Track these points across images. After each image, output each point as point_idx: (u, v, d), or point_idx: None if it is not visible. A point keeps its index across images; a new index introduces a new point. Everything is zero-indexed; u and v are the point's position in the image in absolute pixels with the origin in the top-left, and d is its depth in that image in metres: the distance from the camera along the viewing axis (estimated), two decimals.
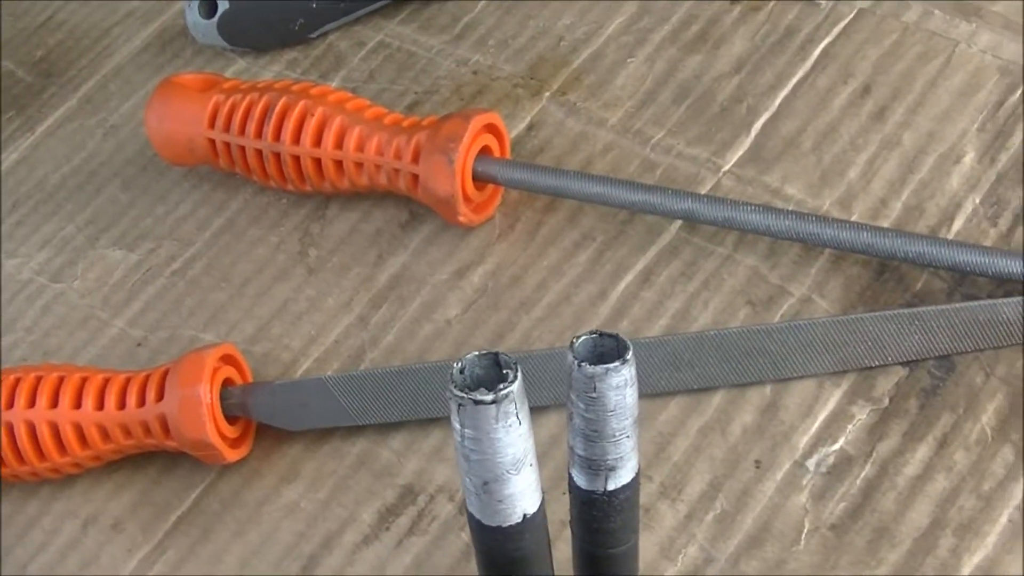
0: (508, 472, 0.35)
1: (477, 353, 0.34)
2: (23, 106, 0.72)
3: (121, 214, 0.66)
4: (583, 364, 0.34)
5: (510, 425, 0.34)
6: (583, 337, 0.34)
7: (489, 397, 0.33)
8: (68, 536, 0.56)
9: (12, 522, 0.57)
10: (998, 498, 0.48)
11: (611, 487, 0.38)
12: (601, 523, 0.39)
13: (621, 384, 0.34)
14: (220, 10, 0.68)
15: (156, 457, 0.57)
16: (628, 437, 0.36)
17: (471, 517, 0.37)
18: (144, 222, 0.65)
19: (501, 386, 0.33)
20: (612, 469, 0.37)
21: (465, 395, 0.33)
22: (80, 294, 0.63)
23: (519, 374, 0.33)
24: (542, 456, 0.47)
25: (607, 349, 0.34)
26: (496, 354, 0.34)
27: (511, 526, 0.36)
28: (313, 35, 0.69)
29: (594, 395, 0.34)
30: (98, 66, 0.73)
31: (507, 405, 0.33)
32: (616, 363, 0.34)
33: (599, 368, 0.34)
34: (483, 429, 0.33)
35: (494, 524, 0.36)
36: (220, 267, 0.62)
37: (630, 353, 0.34)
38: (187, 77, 0.63)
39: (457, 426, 0.34)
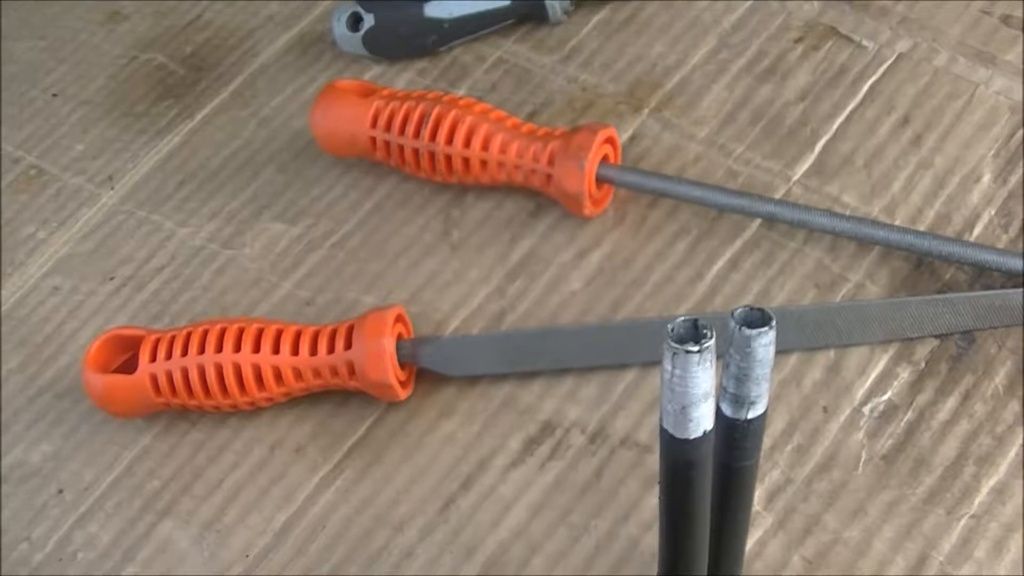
0: (699, 400, 0.56)
1: (683, 318, 0.55)
2: (179, 96, 0.93)
3: (279, 194, 0.87)
4: (743, 328, 0.55)
5: (706, 368, 0.55)
6: (740, 309, 0.55)
7: (696, 348, 0.54)
8: (257, 457, 0.76)
9: (205, 446, 0.77)
10: (1008, 438, 0.70)
11: (750, 416, 0.59)
12: (740, 442, 0.60)
13: (767, 343, 0.55)
14: (365, 25, 0.89)
15: (331, 395, 0.77)
16: (766, 380, 0.58)
17: (665, 433, 0.58)
18: (301, 201, 0.86)
19: (704, 342, 0.54)
20: (752, 403, 0.58)
21: (679, 347, 0.54)
22: (250, 259, 0.84)
23: (714, 334, 0.54)
24: (653, 402, 0.69)
25: (755, 318, 0.55)
26: (696, 319, 0.55)
27: (696, 438, 0.57)
28: (441, 49, 0.90)
29: (748, 350, 0.55)
30: (245, 64, 0.94)
31: (707, 355, 0.54)
32: (765, 328, 0.55)
33: (754, 331, 0.55)
34: (689, 370, 0.54)
35: (683, 437, 0.57)
36: (374, 242, 0.83)
37: (774, 321, 0.55)
38: (347, 83, 0.84)
39: (668, 367, 0.54)
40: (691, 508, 0.59)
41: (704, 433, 0.56)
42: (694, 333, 0.52)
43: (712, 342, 0.51)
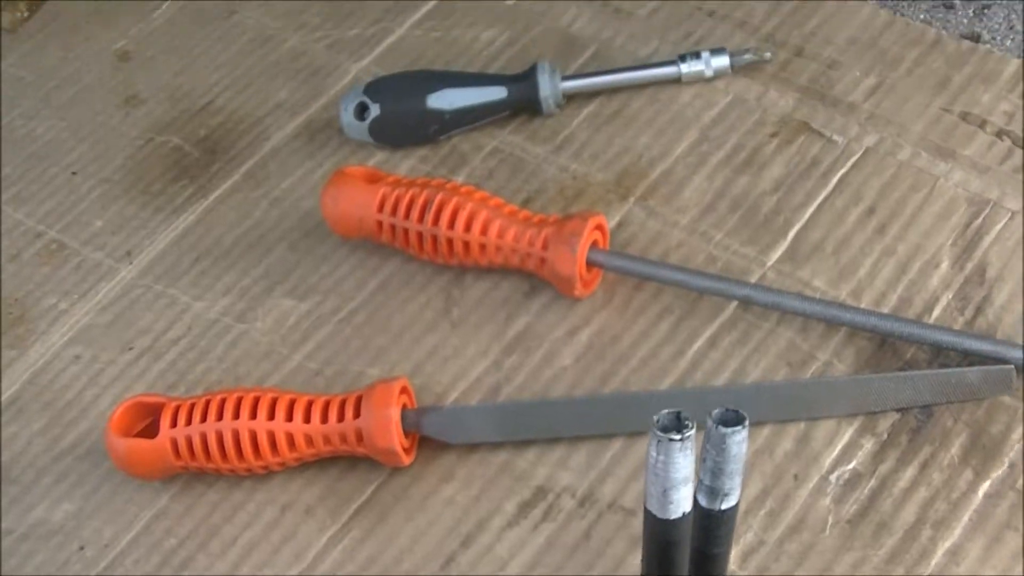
0: (680, 484, 0.63)
1: (667, 411, 0.61)
2: (194, 176, 1.01)
3: (290, 271, 0.94)
4: (719, 426, 0.59)
5: (686, 455, 0.62)
6: (717, 410, 0.59)
7: (678, 437, 0.61)
8: (269, 517, 0.83)
9: (220, 507, 0.83)
10: (962, 504, 0.77)
11: (724, 507, 0.64)
12: (714, 531, 0.65)
13: (740, 440, 0.60)
14: (371, 114, 0.97)
15: (339, 460, 0.83)
16: (739, 474, 0.64)
17: (648, 513, 0.64)
18: (310, 278, 0.94)
19: (685, 431, 0.59)
20: (726, 495, 0.63)
21: (663, 435, 0.59)
22: (262, 332, 0.91)
23: (694, 425, 0.61)
24: (638, 469, 0.77)
25: (730, 418, 0.59)
26: (679, 412, 0.61)
27: (676, 519, 0.64)
28: (442, 137, 0.98)
29: (723, 446, 0.60)
30: (256, 148, 1.01)
31: (687, 443, 0.61)
32: (739, 427, 0.59)
33: (729, 430, 0.59)
34: (671, 456, 0.60)
35: (664, 517, 0.65)
36: (379, 318, 0.91)
37: (747, 421, 0.60)
38: (355, 169, 0.92)
39: (653, 454, 0.60)
40: None
41: (683, 515, 0.63)
42: (677, 424, 0.59)
43: (692, 432, 0.58)
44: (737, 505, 0.63)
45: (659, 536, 0.65)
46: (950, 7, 1.16)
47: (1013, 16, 1.14)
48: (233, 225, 0.98)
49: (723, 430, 0.58)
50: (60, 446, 0.88)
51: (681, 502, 0.62)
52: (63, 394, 0.91)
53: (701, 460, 0.60)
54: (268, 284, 0.94)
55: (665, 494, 0.61)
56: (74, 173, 1.03)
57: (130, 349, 0.92)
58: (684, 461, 0.59)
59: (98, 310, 0.94)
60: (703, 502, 0.63)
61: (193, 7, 1.13)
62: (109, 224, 0.99)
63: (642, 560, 0.68)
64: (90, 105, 1.07)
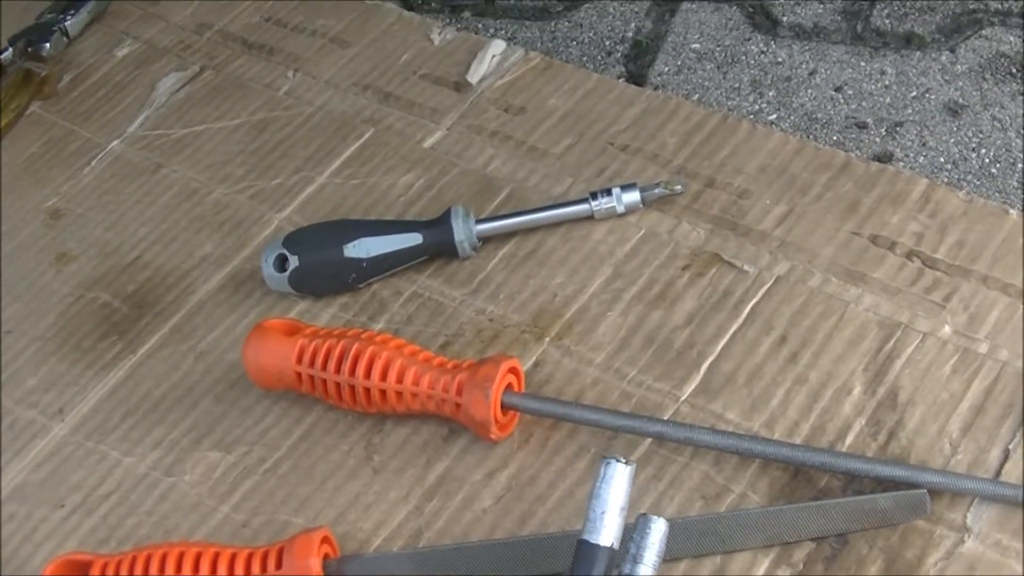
0: (616, 511, 0.71)
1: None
2: (123, 332, 1.02)
3: (216, 423, 0.95)
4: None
5: (624, 484, 0.71)
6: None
7: (623, 460, 0.71)
8: None
9: None
10: None
11: None
12: None
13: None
14: (291, 266, 0.98)
15: None
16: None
17: (582, 542, 0.70)
18: (236, 430, 0.94)
19: (630, 462, 0.70)
20: None
21: (611, 457, 0.69)
22: (190, 485, 0.92)
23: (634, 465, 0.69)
24: None
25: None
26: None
27: (605, 546, 0.70)
28: (361, 285, 1.00)
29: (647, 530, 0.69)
30: (183, 301, 1.03)
31: (628, 471, 0.70)
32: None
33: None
34: (614, 480, 0.71)
35: (596, 542, 0.70)
36: (303, 467, 0.91)
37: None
38: (274, 323, 0.93)
39: (600, 476, 0.70)
40: None
41: (611, 546, 0.71)
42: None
43: (633, 466, 0.72)
44: None
45: (585, 564, 0.71)
46: (863, 127, 1.18)
47: (926, 133, 1.16)
48: (161, 379, 0.99)
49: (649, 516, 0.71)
50: None
51: (612, 530, 0.71)
52: None
53: (623, 552, 0.71)
54: (196, 437, 0.95)
55: (601, 516, 0.71)
56: (8, 332, 1.04)
57: (62, 506, 0.93)
58: (621, 490, 0.71)
59: (32, 468, 0.95)
60: None
61: (121, 163, 1.14)
62: (42, 382, 1.00)
63: None
64: (23, 263, 1.09)
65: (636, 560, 0.70)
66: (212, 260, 1.05)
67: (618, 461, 0.71)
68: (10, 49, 1.24)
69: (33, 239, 1.11)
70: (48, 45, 1.24)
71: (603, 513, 0.71)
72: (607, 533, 0.71)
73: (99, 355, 1.01)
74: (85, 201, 1.12)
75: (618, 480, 0.71)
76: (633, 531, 0.70)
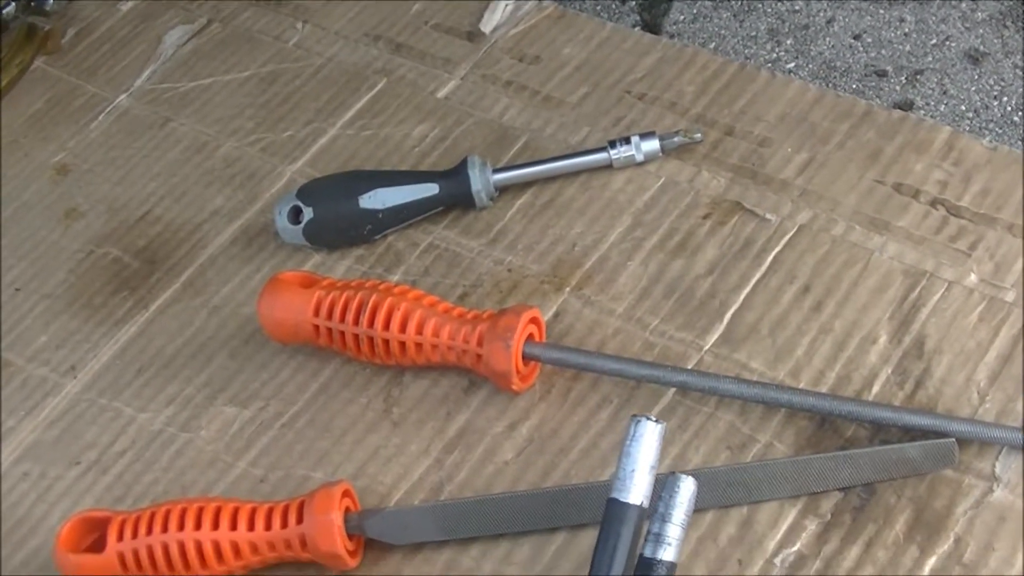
0: (645, 469, 0.71)
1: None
2: (134, 288, 1.01)
3: (231, 378, 0.94)
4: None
5: (654, 442, 0.71)
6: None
7: (654, 419, 0.71)
8: None
9: None
10: None
11: (663, 557, 0.70)
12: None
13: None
14: (305, 218, 0.98)
15: (285, 566, 0.83)
16: (682, 528, 0.70)
17: (612, 501, 0.70)
18: (252, 385, 0.94)
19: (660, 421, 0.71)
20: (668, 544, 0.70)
21: (641, 415, 0.69)
22: (206, 441, 0.91)
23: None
24: (582, 562, 0.77)
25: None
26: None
27: (634, 505, 0.71)
28: (377, 237, 0.99)
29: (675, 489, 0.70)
30: (195, 256, 1.02)
31: (658, 430, 0.71)
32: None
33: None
34: (644, 437, 0.72)
35: (625, 500, 0.71)
36: (320, 421, 0.91)
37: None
38: (289, 275, 0.92)
39: (630, 434, 0.71)
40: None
41: (640, 504, 0.71)
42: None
43: (664, 425, 0.72)
44: (674, 566, 0.70)
45: (615, 523, 0.71)
46: (882, 75, 1.17)
47: (947, 81, 1.15)
48: (174, 335, 0.98)
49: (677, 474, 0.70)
50: (11, 564, 0.88)
51: (642, 489, 0.71)
52: (13, 511, 0.91)
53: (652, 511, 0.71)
54: (211, 392, 0.94)
55: (631, 475, 0.70)
56: (17, 290, 1.03)
57: (77, 464, 0.92)
58: (651, 448, 0.71)
59: (45, 426, 0.95)
60: (647, 551, 0.70)
61: (129, 117, 1.14)
62: (53, 339, 1.00)
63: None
64: (30, 221, 1.08)
65: (665, 519, 0.70)
66: (223, 214, 1.05)
67: (648, 419, 0.71)
68: (13, 4, 1.22)
69: (40, 196, 1.10)
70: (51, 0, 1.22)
71: (633, 471, 0.70)
72: (637, 491, 0.71)
73: (110, 311, 1.00)
74: (92, 156, 1.11)
75: (648, 438, 0.71)
76: (662, 490, 0.70)
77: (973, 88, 1.12)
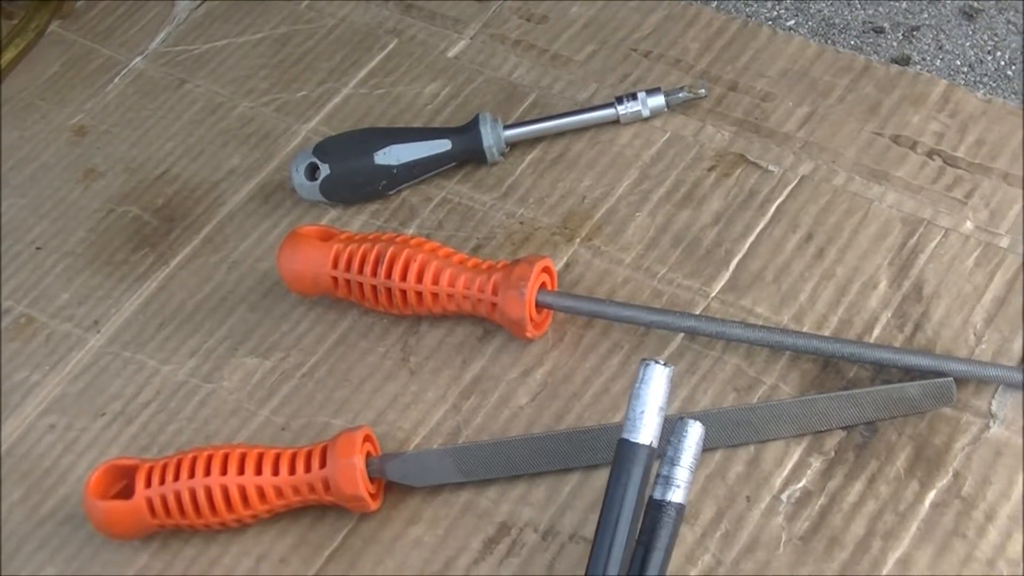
0: (655, 410, 0.74)
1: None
2: (154, 244, 1.05)
3: (252, 331, 0.98)
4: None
5: (663, 384, 0.74)
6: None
7: (663, 363, 0.75)
8: (245, 569, 0.86)
9: (197, 561, 0.87)
10: (909, 515, 0.81)
11: (672, 499, 0.72)
12: (659, 527, 0.73)
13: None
14: (322, 174, 1.01)
15: (309, 510, 0.87)
16: (690, 472, 0.72)
17: (622, 441, 0.73)
18: (272, 337, 0.97)
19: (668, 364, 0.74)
20: (677, 487, 0.73)
21: (651, 359, 0.74)
22: (228, 391, 0.95)
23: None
24: (596, 500, 0.81)
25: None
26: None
27: (644, 444, 0.74)
28: (391, 192, 1.03)
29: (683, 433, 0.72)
30: (213, 213, 1.05)
31: (667, 372, 0.74)
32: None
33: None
34: (653, 380, 0.74)
35: (635, 440, 0.73)
36: (340, 370, 0.94)
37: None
38: (308, 229, 0.96)
39: (639, 377, 0.74)
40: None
41: (650, 444, 0.74)
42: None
43: (672, 369, 0.74)
44: (683, 508, 0.73)
45: (626, 462, 0.74)
46: (880, 31, 1.20)
47: (942, 36, 1.19)
48: (195, 290, 1.01)
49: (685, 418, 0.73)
50: (40, 513, 0.92)
51: (651, 429, 0.74)
52: (40, 463, 0.94)
53: (661, 454, 0.74)
54: (232, 344, 0.98)
55: (641, 416, 0.74)
56: (38, 248, 1.07)
57: (103, 415, 0.96)
58: (660, 390, 0.74)
59: (70, 379, 0.98)
60: (657, 493, 0.73)
61: (144, 80, 1.17)
62: (75, 296, 1.03)
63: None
64: (49, 181, 1.11)
65: (674, 462, 0.73)
66: (240, 172, 1.08)
67: (657, 363, 0.74)
68: None
69: (58, 157, 1.13)
70: None
71: (642, 413, 0.74)
72: (646, 432, 0.74)
73: (131, 268, 1.04)
74: (109, 118, 1.15)
75: (657, 381, 0.74)
76: (671, 434, 0.73)
77: (968, 43, 1.16)
